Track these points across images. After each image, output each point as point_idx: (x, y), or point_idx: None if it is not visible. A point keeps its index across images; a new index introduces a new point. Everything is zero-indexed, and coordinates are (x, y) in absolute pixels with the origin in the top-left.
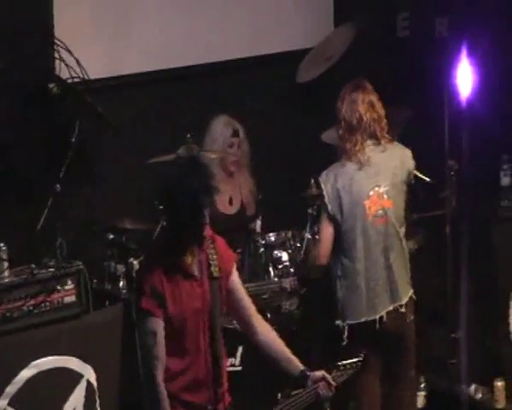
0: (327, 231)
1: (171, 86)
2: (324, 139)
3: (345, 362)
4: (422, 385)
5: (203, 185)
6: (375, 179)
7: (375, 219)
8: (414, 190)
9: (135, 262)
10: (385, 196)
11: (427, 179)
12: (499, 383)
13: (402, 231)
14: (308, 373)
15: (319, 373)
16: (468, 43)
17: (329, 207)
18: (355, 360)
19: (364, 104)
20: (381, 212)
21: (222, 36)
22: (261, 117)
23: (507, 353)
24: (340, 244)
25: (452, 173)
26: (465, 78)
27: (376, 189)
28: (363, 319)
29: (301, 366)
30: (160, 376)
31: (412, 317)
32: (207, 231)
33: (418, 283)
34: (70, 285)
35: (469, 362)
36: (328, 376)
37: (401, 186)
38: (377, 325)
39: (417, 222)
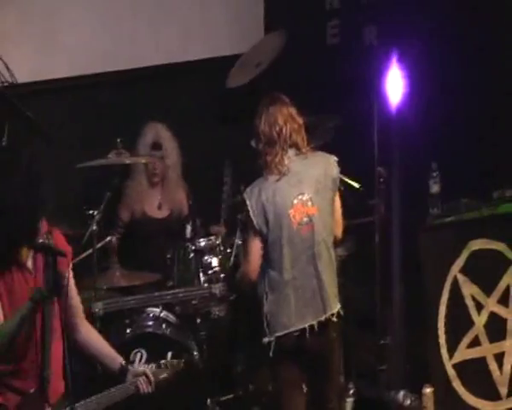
0: (254, 245)
1: (100, 91)
2: (254, 145)
3: (166, 361)
4: (351, 392)
5: (26, 182)
6: (299, 188)
7: (301, 227)
8: (343, 196)
9: None
10: (309, 204)
11: (357, 186)
12: (428, 390)
13: (330, 240)
14: (128, 368)
15: (140, 369)
16: (397, 51)
17: (255, 221)
18: (178, 360)
19: (283, 116)
20: (306, 219)
21: (152, 41)
22: (192, 122)
23: (435, 360)
24: (267, 257)
25: (381, 180)
26: (394, 85)
27: (300, 197)
28: (292, 329)
29: (122, 361)
30: None
31: (335, 335)
32: (43, 226)
33: (347, 289)
34: None
35: (398, 369)
36: (148, 371)
37: (326, 193)
38: (307, 334)
39: (347, 229)
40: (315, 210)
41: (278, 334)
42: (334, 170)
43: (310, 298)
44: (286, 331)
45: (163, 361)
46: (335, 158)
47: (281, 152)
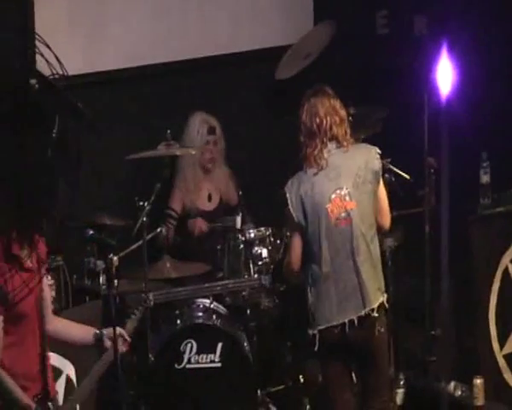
0: (295, 237)
1: (149, 83)
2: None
3: (133, 312)
4: (401, 382)
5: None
6: (337, 182)
7: (338, 222)
8: (393, 187)
9: (114, 258)
10: (347, 198)
11: (407, 177)
12: (478, 381)
13: (370, 234)
14: (103, 333)
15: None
16: (447, 41)
17: (294, 214)
18: (141, 308)
19: (324, 108)
20: (344, 214)
21: (200, 33)
22: (240, 114)
23: (485, 351)
24: (308, 250)
25: (431, 171)
26: (445, 75)
27: (338, 191)
28: (334, 323)
29: (95, 331)
30: None
31: (382, 330)
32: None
33: (396, 280)
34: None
35: (448, 360)
36: (123, 331)
37: (365, 187)
38: (347, 329)
39: (396, 220)
40: (353, 205)
41: (320, 327)
42: (376, 162)
43: (350, 292)
44: (328, 325)
45: (132, 316)
46: (378, 150)
47: (320, 145)
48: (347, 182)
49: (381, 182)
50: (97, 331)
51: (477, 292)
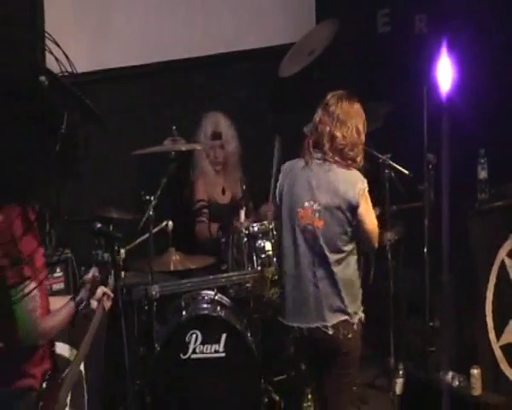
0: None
1: (155, 80)
2: (307, 132)
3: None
4: (401, 372)
5: None
6: (313, 193)
7: (305, 231)
8: (393, 183)
9: (122, 250)
10: (316, 215)
11: (406, 172)
12: (475, 371)
13: (334, 257)
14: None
15: (100, 291)
16: (447, 39)
17: (277, 196)
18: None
19: (330, 117)
20: (310, 227)
21: (205, 31)
22: (245, 110)
23: (482, 342)
24: (282, 240)
25: (431, 166)
26: (445, 73)
27: (312, 203)
28: (289, 323)
29: (71, 297)
30: None
31: (345, 350)
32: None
33: (397, 273)
34: (59, 273)
35: (446, 351)
36: (105, 288)
37: (337, 213)
38: (297, 335)
39: (396, 214)
40: (321, 224)
41: (281, 319)
42: (355, 198)
43: (307, 301)
44: (284, 321)
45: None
46: (364, 186)
47: (317, 142)
48: (321, 200)
49: (363, 215)
50: (74, 297)
51: (475, 285)
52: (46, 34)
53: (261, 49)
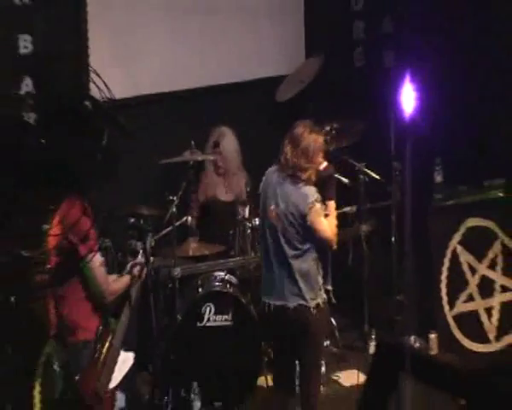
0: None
1: (176, 104)
2: None
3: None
4: (373, 337)
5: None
6: (276, 199)
7: (270, 227)
8: (366, 186)
9: (151, 240)
10: (278, 216)
11: (377, 177)
12: (433, 336)
13: (291, 252)
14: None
15: (128, 266)
16: (410, 72)
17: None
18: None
19: (291, 141)
20: (274, 225)
21: (216, 65)
22: (250, 128)
23: (438, 312)
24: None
25: (397, 172)
26: (408, 99)
27: (274, 206)
28: (263, 298)
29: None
30: None
31: (308, 317)
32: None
33: (371, 259)
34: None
35: (410, 319)
36: (133, 262)
37: (291, 218)
38: (266, 309)
39: (370, 211)
40: (280, 224)
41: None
42: (305, 208)
43: (273, 284)
44: (263, 300)
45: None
46: (314, 199)
47: (288, 154)
48: (281, 205)
49: (314, 224)
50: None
51: (433, 266)
52: (89, 67)
53: (261, 79)
